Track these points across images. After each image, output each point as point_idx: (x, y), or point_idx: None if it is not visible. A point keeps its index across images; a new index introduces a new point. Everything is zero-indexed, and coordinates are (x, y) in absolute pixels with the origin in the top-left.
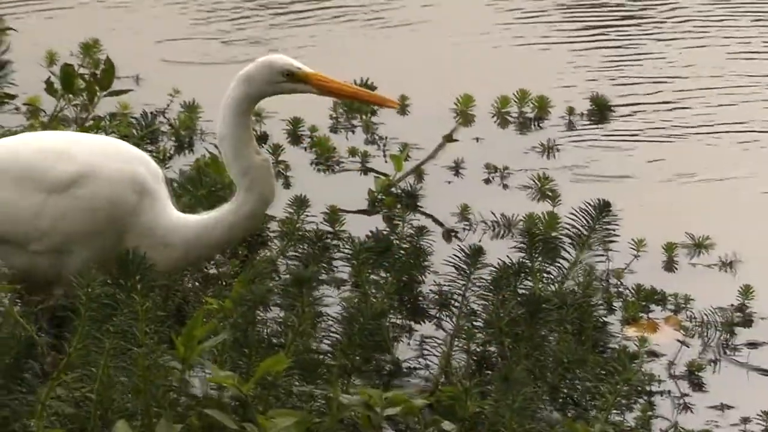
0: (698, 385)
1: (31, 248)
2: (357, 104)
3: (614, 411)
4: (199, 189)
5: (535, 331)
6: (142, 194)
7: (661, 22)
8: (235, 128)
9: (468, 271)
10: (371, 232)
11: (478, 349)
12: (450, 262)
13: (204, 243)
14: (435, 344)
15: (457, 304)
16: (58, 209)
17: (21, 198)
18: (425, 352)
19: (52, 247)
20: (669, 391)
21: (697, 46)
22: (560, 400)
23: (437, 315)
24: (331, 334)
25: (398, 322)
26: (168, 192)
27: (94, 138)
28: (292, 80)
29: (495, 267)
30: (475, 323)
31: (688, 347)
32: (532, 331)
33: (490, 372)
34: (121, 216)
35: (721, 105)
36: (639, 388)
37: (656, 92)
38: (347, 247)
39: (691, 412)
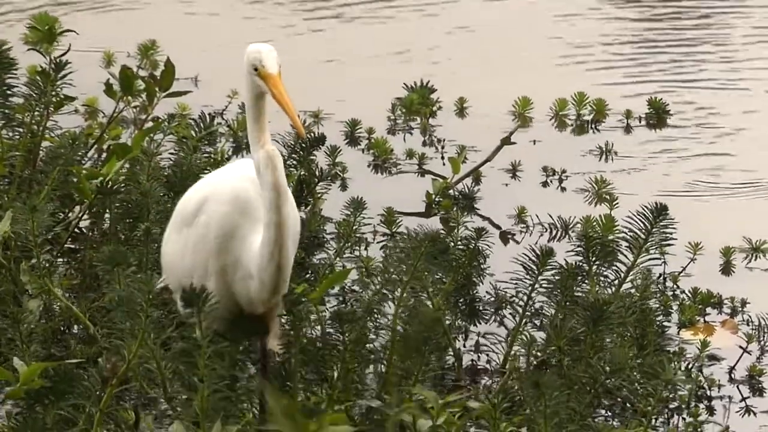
0: (757, 390)
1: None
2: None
3: (675, 414)
4: None
5: (598, 336)
6: (245, 215)
7: (727, 27)
8: (249, 121)
9: (536, 272)
10: (425, 232)
11: (538, 353)
12: (518, 260)
13: (265, 263)
14: (495, 341)
15: (521, 303)
16: (192, 242)
17: (176, 239)
18: (483, 349)
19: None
20: (730, 396)
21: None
22: (619, 404)
23: (500, 314)
24: (386, 335)
25: (454, 323)
26: None
27: (239, 163)
28: (258, 75)
29: (557, 268)
30: (537, 323)
31: (749, 354)
32: (594, 337)
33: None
34: (229, 238)
35: None
36: (699, 393)
37: (715, 97)
38: (405, 241)
39: (753, 415)
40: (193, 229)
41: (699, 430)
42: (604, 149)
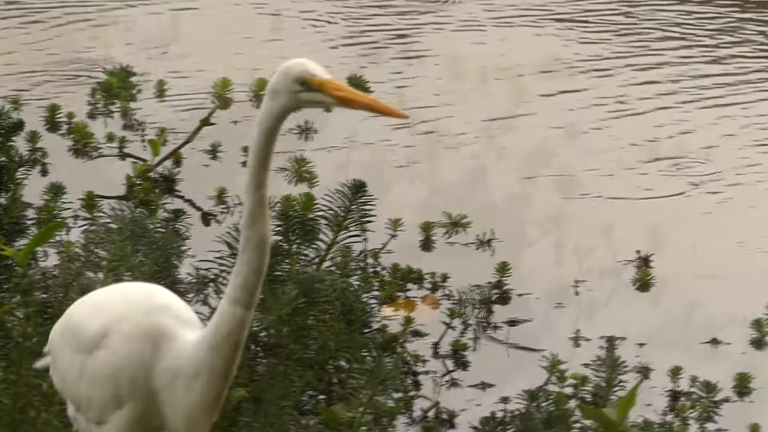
0: (461, 364)
1: (84, 415)
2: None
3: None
4: None
5: (309, 310)
6: (160, 344)
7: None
8: (255, 160)
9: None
10: (118, 212)
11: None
12: (222, 239)
13: (220, 341)
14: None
15: (224, 282)
16: (89, 372)
17: (70, 359)
18: None
19: (92, 417)
20: (435, 371)
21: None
22: (328, 383)
23: (203, 293)
24: None
25: None
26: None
27: (135, 288)
28: (308, 89)
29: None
30: None
31: (453, 329)
32: (306, 312)
33: (259, 348)
34: (143, 374)
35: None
36: (405, 368)
37: (420, 71)
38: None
39: (460, 388)
40: (92, 361)
41: (408, 405)
42: (304, 128)
